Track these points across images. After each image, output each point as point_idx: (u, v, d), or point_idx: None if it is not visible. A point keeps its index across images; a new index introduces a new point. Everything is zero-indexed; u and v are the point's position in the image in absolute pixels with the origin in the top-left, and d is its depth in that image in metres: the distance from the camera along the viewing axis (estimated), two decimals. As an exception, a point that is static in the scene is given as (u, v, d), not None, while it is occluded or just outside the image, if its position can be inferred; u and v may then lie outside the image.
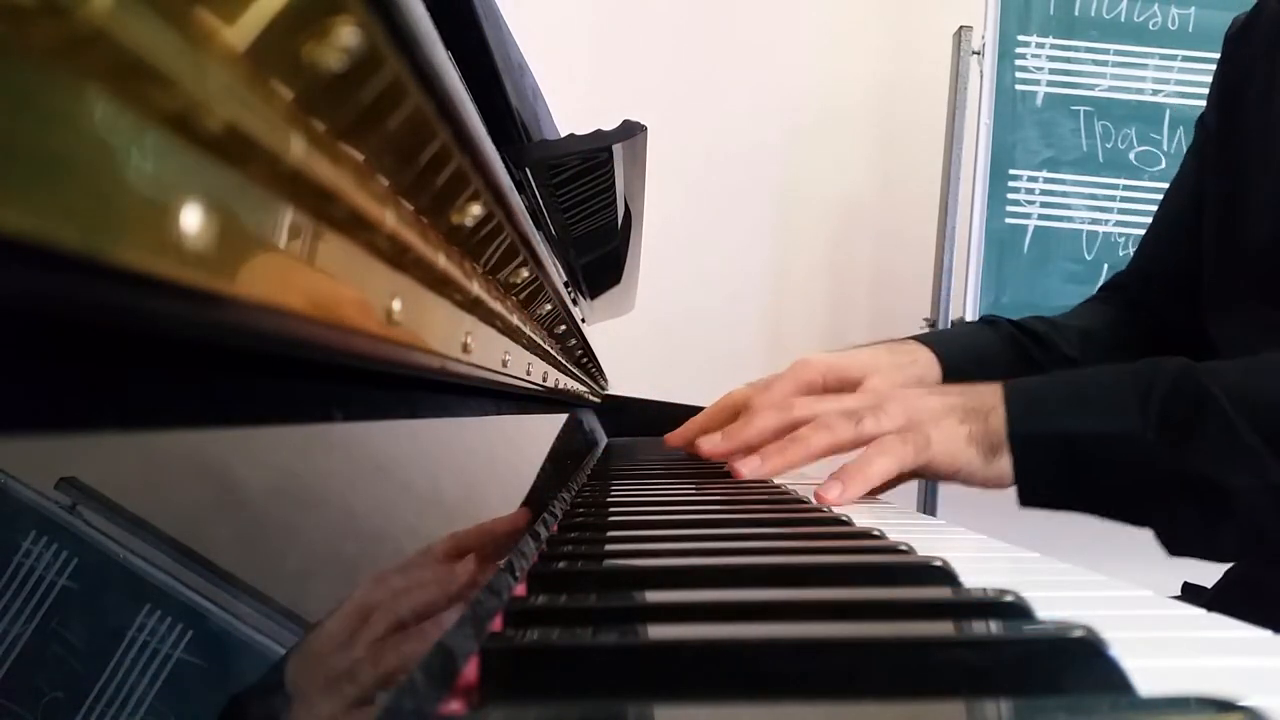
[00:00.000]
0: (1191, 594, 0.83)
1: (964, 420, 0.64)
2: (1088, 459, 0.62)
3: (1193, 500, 0.60)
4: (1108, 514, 0.65)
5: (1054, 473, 0.63)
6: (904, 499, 1.84)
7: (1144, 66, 1.89)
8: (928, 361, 0.81)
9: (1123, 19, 1.89)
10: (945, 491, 1.89)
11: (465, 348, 0.29)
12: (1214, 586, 0.82)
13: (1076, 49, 1.89)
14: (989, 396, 0.65)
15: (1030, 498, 0.65)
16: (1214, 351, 0.80)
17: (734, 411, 0.76)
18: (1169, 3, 1.89)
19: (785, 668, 0.21)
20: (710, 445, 0.69)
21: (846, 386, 0.74)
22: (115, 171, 0.10)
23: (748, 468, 0.65)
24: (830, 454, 0.65)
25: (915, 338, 0.85)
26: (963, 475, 0.64)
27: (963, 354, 0.84)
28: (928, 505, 1.89)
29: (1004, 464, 0.64)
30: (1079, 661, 0.20)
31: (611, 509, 0.50)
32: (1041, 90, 1.89)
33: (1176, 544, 0.63)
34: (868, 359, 0.78)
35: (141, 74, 0.10)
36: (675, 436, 0.82)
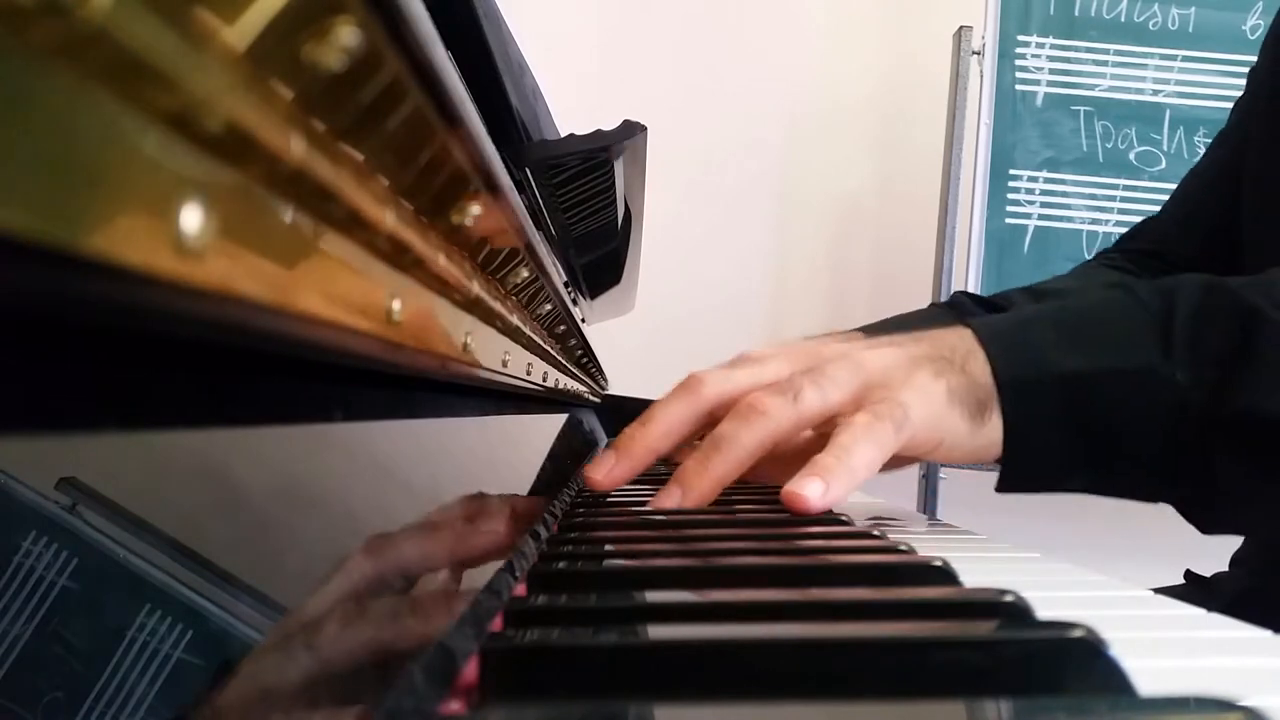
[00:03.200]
0: (1195, 582, 0.83)
1: (938, 373, 0.48)
2: (1100, 407, 0.48)
3: (1239, 453, 0.46)
4: (1119, 485, 0.50)
5: (1055, 432, 0.48)
6: (902, 497, 1.84)
7: (1144, 66, 1.89)
8: None
9: (1123, 19, 1.89)
10: (945, 491, 1.89)
11: (465, 348, 0.29)
12: (1225, 599, 0.76)
13: (1076, 49, 1.89)
14: (957, 340, 0.50)
15: (1018, 470, 0.50)
16: None
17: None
18: (1169, 3, 1.89)
19: (785, 668, 0.21)
20: (604, 473, 0.49)
21: None
22: (115, 171, 0.10)
23: (668, 500, 0.47)
24: (768, 449, 0.48)
25: (861, 329, 0.74)
26: (945, 448, 0.48)
27: None
28: (926, 505, 1.89)
29: (993, 428, 0.48)
30: (1079, 661, 0.20)
31: (611, 509, 0.50)
32: (1041, 90, 1.90)
33: (1212, 517, 0.50)
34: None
35: (141, 74, 0.10)
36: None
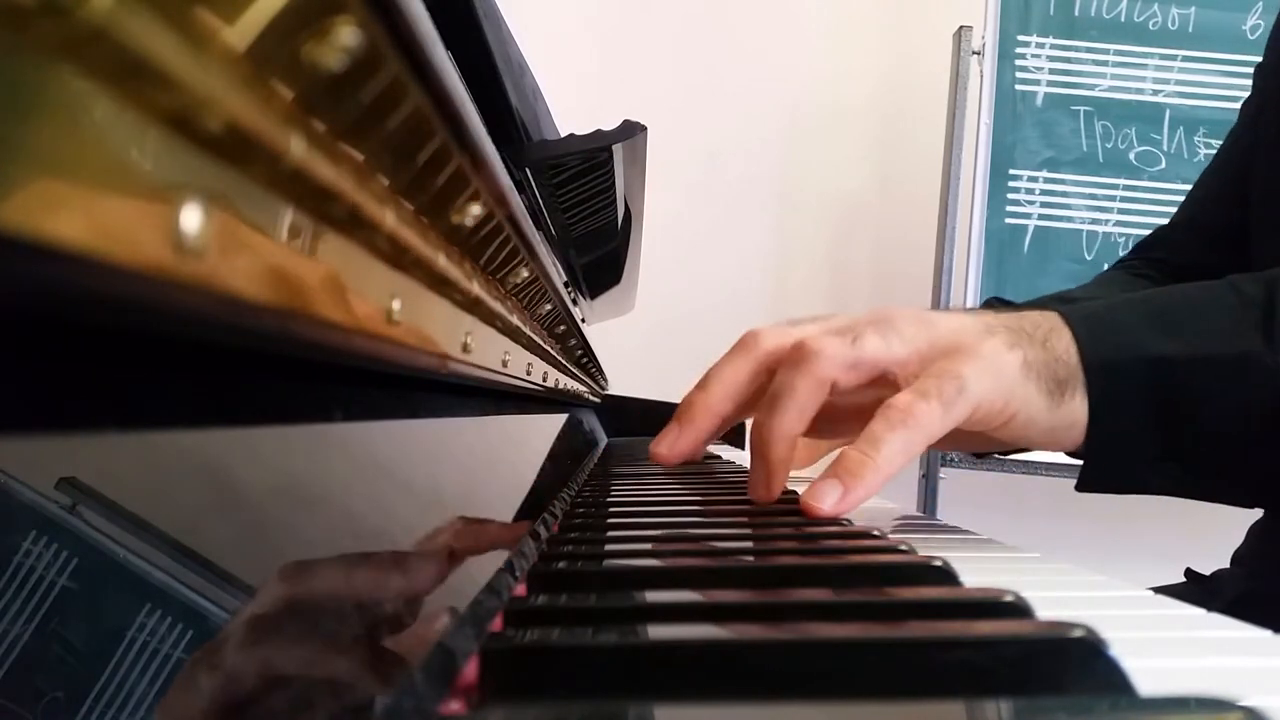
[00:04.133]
0: (1195, 580, 0.83)
1: (1013, 344, 0.45)
2: (1193, 393, 0.45)
3: None
4: (1207, 483, 0.48)
5: (1143, 418, 0.45)
6: (902, 496, 1.84)
7: (1144, 66, 1.89)
8: None
9: (1123, 19, 1.89)
10: (945, 490, 1.89)
11: (465, 348, 0.29)
12: (1225, 598, 0.76)
13: (1076, 49, 1.89)
14: (1039, 318, 0.47)
15: (1102, 461, 0.47)
16: None
17: None
18: (1169, 3, 1.89)
19: (785, 668, 0.21)
20: (668, 446, 0.49)
21: None
22: (115, 171, 0.10)
23: (758, 478, 0.46)
24: (827, 391, 0.45)
25: None
26: (1018, 423, 0.45)
27: None
28: (926, 504, 1.89)
29: (1076, 406, 0.46)
30: (1079, 661, 0.20)
31: (611, 509, 0.50)
32: (1041, 90, 1.90)
33: None
34: None
35: (141, 74, 0.10)
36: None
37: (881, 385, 0.45)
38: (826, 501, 0.42)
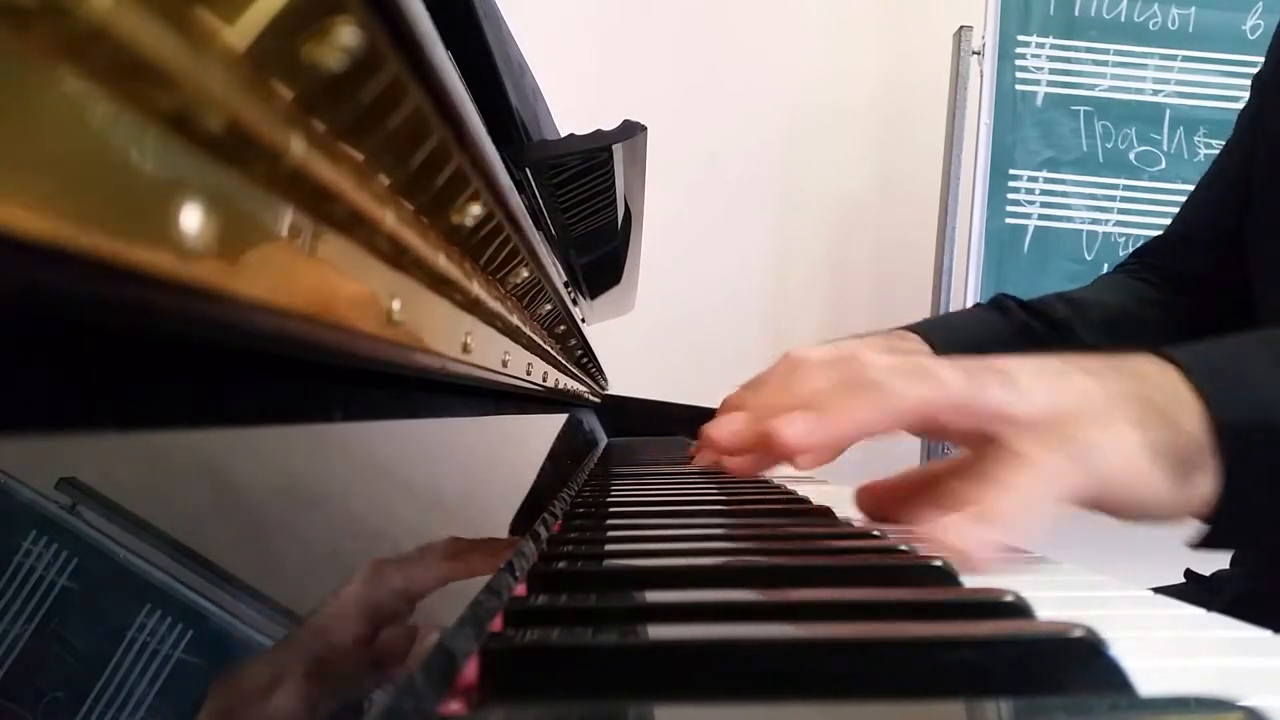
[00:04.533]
0: (1195, 581, 0.83)
1: (1140, 420, 0.40)
2: None
3: None
4: None
5: (1277, 487, 0.42)
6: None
7: (1144, 66, 1.89)
8: (917, 352, 0.67)
9: (1123, 19, 1.89)
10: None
11: (465, 348, 0.29)
12: (1225, 599, 0.76)
13: (1076, 49, 1.89)
14: (1160, 378, 0.42)
15: (1228, 530, 0.43)
16: (1255, 314, 0.73)
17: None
18: (1169, 3, 1.89)
19: (785, 668, 0.21)
20: (739, 464, 0.47)
21: None
22: (115, 171, 0.10)
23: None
24: (926, 422, 0.41)
25: (909, 326, 0.74)
26: (1136, 512, 0.41)
27: (959, 344, 0.68)
28: (928, 505, 1.88)
29: (1202, 484, 0.41)
30: (1079, 661, 0.20)
31: (611, 509, 0.50)
32: (1041, 90, 1.89)
33: None
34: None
35: (141, 74, 0.10)
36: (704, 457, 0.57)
37: (980, 444, 0.41)
38: (968, 543, 0.36)
